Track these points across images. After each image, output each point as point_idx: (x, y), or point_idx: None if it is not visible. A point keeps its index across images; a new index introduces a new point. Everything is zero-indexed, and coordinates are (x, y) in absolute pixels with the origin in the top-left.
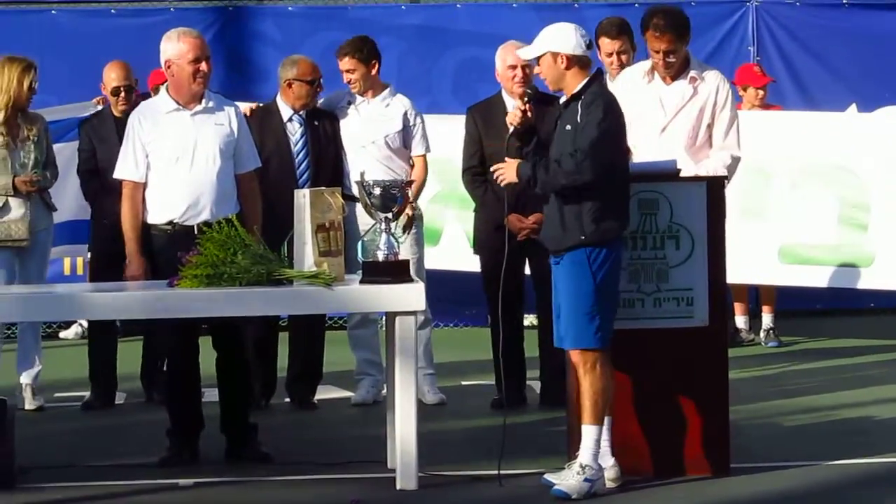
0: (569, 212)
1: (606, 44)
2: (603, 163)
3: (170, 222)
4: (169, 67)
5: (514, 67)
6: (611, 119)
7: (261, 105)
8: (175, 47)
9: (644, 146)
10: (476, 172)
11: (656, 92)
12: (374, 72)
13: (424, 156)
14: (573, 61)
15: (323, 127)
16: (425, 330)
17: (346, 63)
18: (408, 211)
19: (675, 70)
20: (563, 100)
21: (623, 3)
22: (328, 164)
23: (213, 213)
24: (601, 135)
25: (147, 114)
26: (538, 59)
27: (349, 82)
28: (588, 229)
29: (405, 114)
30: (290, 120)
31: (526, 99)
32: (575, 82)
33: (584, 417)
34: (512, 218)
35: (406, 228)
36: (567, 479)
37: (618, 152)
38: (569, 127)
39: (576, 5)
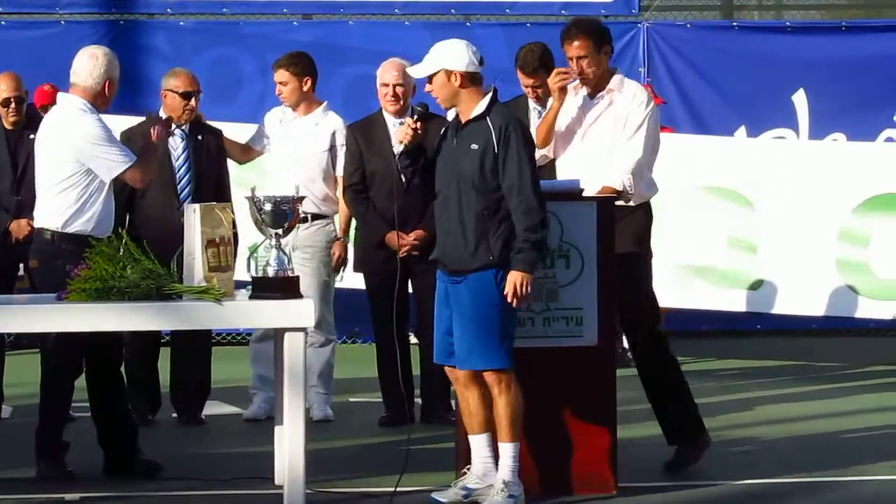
0: (476, 232)
1: (522, 77)
2: (535, 183)
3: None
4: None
5: (386, 85)
6: (525, 141)
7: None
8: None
9: (567, 159)
10: (357, 190)
11: (578, 105)
12: (306, 87)
13: None
14: (467, 78)
15: (206, 142)
16: (326, 349)
17: (279, 75)
18: (337, 251)
19: (596, 82)
20: (451, 115)
21: (514, 23)
22: (211, 179)
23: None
24: (530, 159)
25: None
26: (429, 77)
27: (280, 94)
28: (496, 251)
29: (333, 133)
30: (172, 134)
31: (415, 116)
32: (471, 99)
33: (501, 435)
34: (391, 235)
35: (337, 270)
36: (493, 498)
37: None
38: (475, 146)
39: (468, 23)
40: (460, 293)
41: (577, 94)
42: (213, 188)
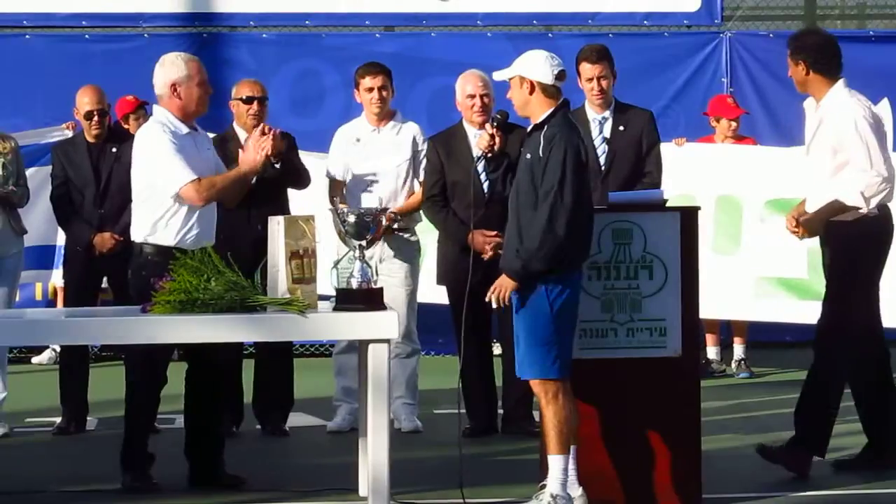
0: (524, 241)
1: (587, 69)
2: (562, 197)
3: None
4: (176, 88)
5: (472, 97)
6: (572, 152)
7: (217, 135)
8: (184, 69)
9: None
10: (437, 201)
11: (810, 120)
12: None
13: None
14: (538, 87)
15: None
16: (412, 359)
17: (377, 80)
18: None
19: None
20: (529, 128)
21: (597, 33)
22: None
23: (210, 237)
24: (563, 169)
25: (168, 132)
26: (511, 81)
27: (374, 102)
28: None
29: (414, 139)
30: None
31: (494, 123)
32: (540, 110)
33: (549, 447)
34: (476, 234)
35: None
36: None
37: (581, 185)
38: (529, 156)
39: (550, 35)
40: (516, 302)
41: (808, 107)
42: (281, 193)
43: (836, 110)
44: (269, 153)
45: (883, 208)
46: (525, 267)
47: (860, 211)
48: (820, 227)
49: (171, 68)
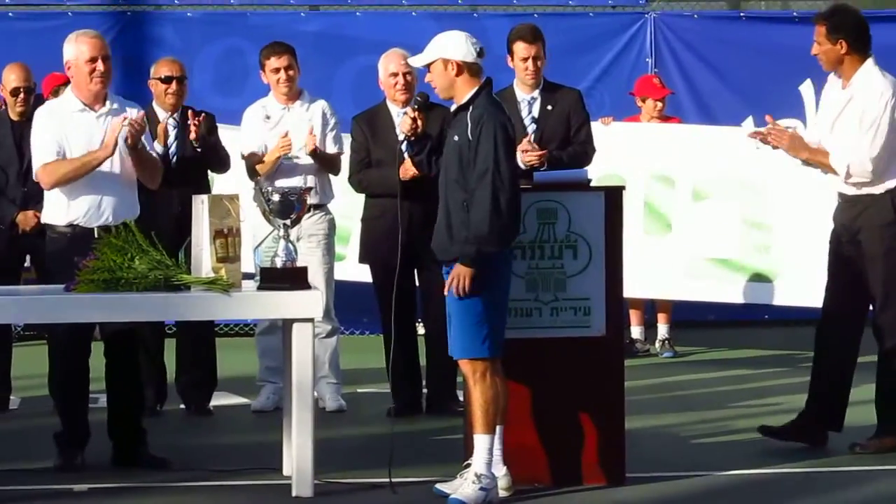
0: (457, 223)
1: (522, 48)
2: (500, 176)
3: (70, 224)
4: (70, 69)
5: (395, 75)
6: (501, 132)
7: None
8: (74, 48)
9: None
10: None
11: (831, 97)
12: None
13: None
14: (464, 68)
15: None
16: (332, 339)
17: (282, 60)
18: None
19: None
20: (453, 108)
21: (522, 13)
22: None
23: (115, 216)
24: (495, 149)
25: (54, 113)
26: (429, 66)
27: (281, 81)
28: None
29: (323, 115)
30: (165, 122)
31: (416, 106)
32: (464, 91)
33: (475, 427)
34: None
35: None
36: (463, 489)
37: (511, 163)
38: (456, 138)
39: (475, 14)
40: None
41: (832, 85)
42: (203, 173)
43: (869, 88)
44: (192, 137)
45: None
46: (479, 251)
47: (837, 178)
48: (803, 152)
49: (67, 47)
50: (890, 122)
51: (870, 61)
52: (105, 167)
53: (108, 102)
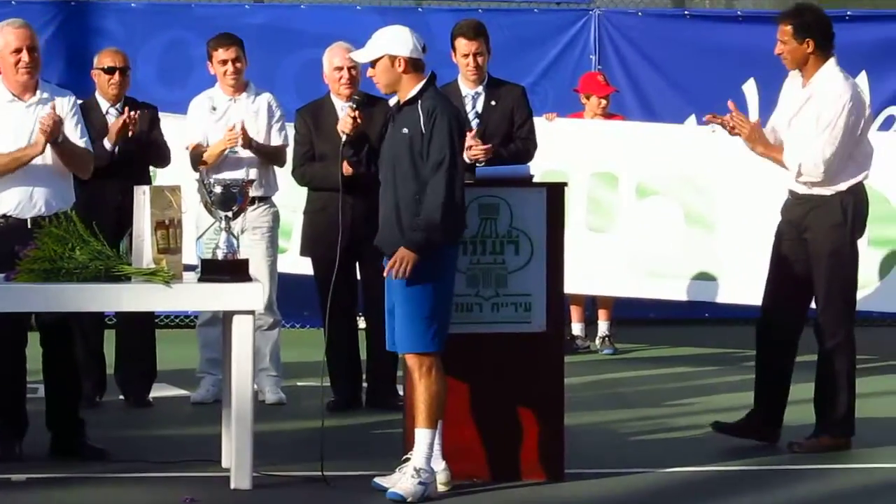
0: (405, 215)
1: (463, 45)
2: (456, 167)
3: (3, 216)
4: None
5: (340, 69)
6: (455, 123)
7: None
8: (0, 39)
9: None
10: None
11: (790, 94)
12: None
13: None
14: (410, 64)
15: (139, 118)
16: (274, 331)
17: (230, 52)
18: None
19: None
20: (393, 101)
21: (467, 8)
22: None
23: (48, 207)
24: (451, 140)
25: None
26: (373, 62)
27: (228, 74)
28: None
29: (269, 107)
30: (108, 113)
31: (355, 105)
32: (410, 85)
33: (417, 421)
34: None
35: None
36: (402, 483)
37: (460, 155)
38: (405, 130)
39: (420, 9)
40: (391, 276)
41: (793, 82)
42: (144, 165)
43: (829, 89)
44: (131, 133)
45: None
46: (428, 239)
47: (788, 174)
48: (759, 145)
49: None
50: (845, 125)
51: (832, 61)
52: (36, 159)
53: (38, 92)
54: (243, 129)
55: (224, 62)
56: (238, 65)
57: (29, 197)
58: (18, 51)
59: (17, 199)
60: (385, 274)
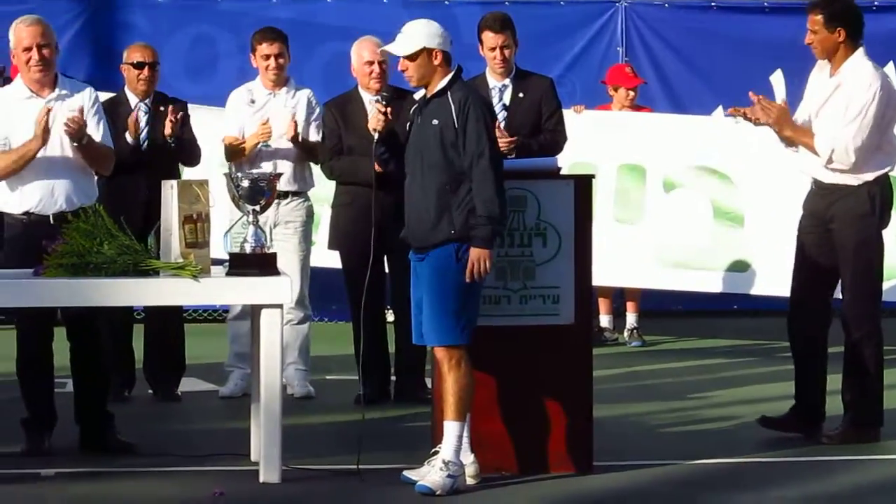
0: (438, 207)
1: (489, 38)
2: (494, 157)
3: (26, 212)
4: (13, 57)
5: (370, 63)
6: (488, 113)
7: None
8: (13, 36)
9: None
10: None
11: (817, 84)
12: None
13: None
14: (445, 58)
15: (167, 114)
16: (304, 325)
17: (273, 47)
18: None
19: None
20: (419, 94)
21: (494, 1)
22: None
23: (69, 203)
24: (487, 129)
25: (1, 101)
26: (410, 55)
27: (270, 69)
28: (458, 224)
29: (309, 104)
30: (137, 108)
31: (384, 102)
32: (440, 78)
33: (446, 414)
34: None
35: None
36: (431, 476)
37: (497, 144)
38: (436, 122)
39: (446, 2)
40: (423, 269)
41: (820, 72)
42: (172, 161)
43: (859, 77)
44: (168, 133)
45: None
46: (494, 230)
47: (814, 162)
48: (787, 128)
49: (11, 35)
50: (875, 114)
51: (861, 51)
52: (56, 153)
53: (57, 88)
54: (293, 122)
55: (267, 57)
56: (280, 60)
57: (50, 193)
58: (28, 49)
59: (38, 196)
60: (467, 279)
